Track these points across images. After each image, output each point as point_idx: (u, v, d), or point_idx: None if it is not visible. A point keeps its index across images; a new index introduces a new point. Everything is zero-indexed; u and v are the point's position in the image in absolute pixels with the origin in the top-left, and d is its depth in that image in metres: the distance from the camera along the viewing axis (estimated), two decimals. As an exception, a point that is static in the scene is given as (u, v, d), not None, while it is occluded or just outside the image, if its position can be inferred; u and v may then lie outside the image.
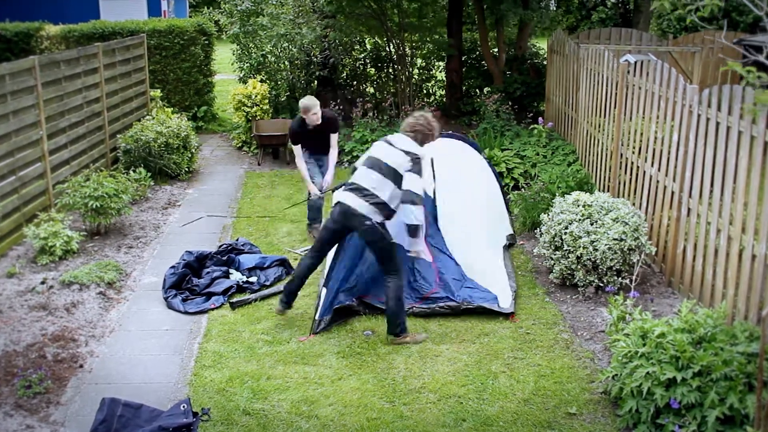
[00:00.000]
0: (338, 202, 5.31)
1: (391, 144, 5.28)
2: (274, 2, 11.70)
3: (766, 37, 9.60)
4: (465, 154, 6.97)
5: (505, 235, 7.04)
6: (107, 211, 7.22)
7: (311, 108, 6.90)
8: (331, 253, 5.68)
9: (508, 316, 5.64)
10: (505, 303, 5.74)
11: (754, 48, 8.59)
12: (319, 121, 6.99)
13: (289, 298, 5.58)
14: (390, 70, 13.58)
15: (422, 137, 5.27)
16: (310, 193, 7.26)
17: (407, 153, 5.16)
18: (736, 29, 12.17)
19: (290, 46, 11.59)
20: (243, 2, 11.74)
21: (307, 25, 11.20)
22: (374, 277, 5.66)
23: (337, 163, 7.59)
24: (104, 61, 9.25)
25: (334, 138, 7.15)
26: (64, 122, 8.10)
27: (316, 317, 5.46)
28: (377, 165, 5.21)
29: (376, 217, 5.14)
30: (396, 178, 5.14)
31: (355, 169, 5.44)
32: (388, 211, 5.19)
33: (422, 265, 5.85)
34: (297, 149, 7.17)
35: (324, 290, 5.53)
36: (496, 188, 7.16)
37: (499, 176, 7.49)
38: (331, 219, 5.38)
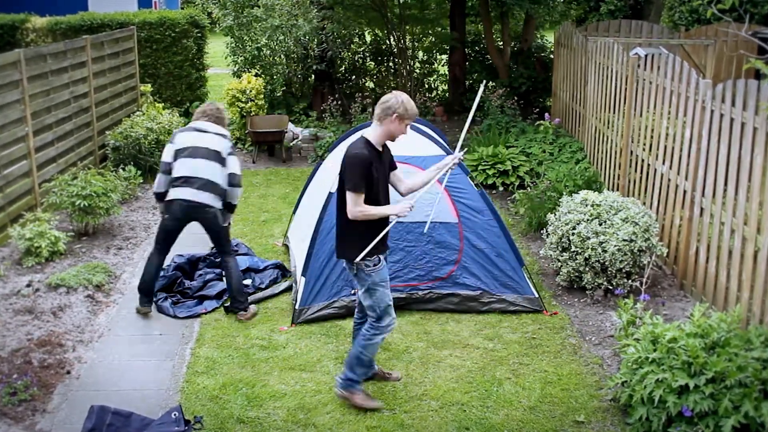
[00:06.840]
0: (177, 199, 5.47)
1: (203, 131, 5.60)
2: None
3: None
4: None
5: None
6: (95, 210, 7.14)
7: None
8: (305, 243, 5.77)
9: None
10: None
11: None
12: None
13: (149, 296, 5.73)
14: (390, 64, 13.49)
15: (222, 121, 5.76)
16: None
17: (224, 137, 5.63)
18: (750, 21, 12.03)
19: (286, 39, 11.43)
20: None
21: (303, 17, 11.02)
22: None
23: None
24: (92, 54, 9.16)
25: None
26: (50, 118, 7.99)
27: (297, 307, 5.51)
28: (203, 153, 5.50)
29: (218, 204, 5.54)
30: (221, 161, 5.56)
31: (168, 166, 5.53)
32: (223, 195, 5.60)
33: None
34: None
35: (302, 279, 5.55)
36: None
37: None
38: (171, 217, 5.54)
